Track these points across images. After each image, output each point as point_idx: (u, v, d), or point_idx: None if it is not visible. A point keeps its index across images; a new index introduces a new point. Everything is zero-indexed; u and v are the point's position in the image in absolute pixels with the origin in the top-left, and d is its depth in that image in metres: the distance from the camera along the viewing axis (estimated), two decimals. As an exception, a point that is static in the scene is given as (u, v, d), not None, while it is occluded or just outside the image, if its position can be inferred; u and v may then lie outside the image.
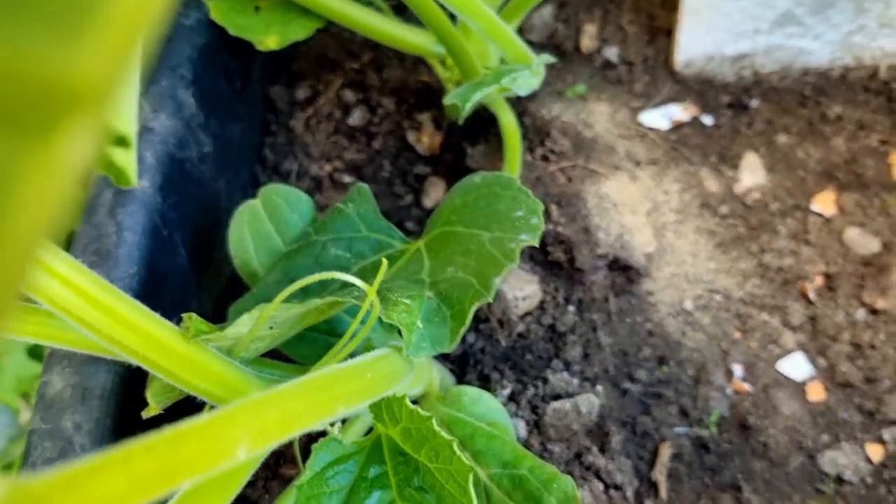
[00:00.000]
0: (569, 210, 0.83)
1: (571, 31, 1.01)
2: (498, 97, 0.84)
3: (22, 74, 0.13)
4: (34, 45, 0.13)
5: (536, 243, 0.58)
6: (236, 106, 0.89)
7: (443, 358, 0.81)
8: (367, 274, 0.69)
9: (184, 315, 0.54)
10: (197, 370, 0.53)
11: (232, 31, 0.82)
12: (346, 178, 0.93)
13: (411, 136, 0.93)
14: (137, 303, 0.51)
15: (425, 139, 0.92)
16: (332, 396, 0.48)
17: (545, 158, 0.86)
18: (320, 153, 0.94)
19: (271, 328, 0.56)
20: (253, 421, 0.42)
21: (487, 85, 0.68)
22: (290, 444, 0.82)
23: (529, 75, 0.72)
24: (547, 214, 0.83)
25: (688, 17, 0.94)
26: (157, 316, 0.52)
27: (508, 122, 0.83)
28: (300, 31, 0.83)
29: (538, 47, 1.01)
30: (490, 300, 0.55)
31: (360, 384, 0.51)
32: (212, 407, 0.55)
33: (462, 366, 0.81)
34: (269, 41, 0.82)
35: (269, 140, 0.95)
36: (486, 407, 0.70)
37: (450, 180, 0.91)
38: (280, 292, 0.69)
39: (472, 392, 0.71)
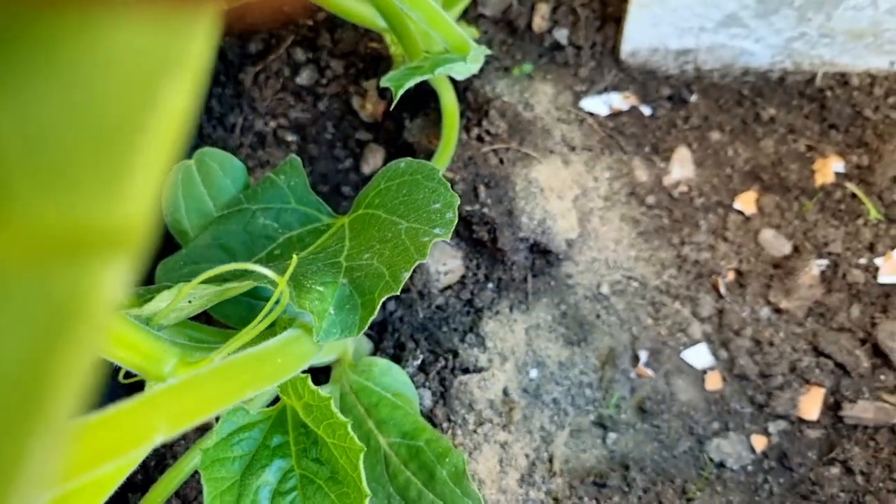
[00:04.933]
0: (497, 192, 0.86)
1: (525, 9, 1.03)
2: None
3: (70, 227, 0.15)
4: (80, 204, 0.15)
5: (447, 238, 0.62)
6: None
7: (364, 324, 0.85)
8: (293, 246, 0.72)
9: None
10: (112, 340, 0.56)
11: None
12: (290, 137, 0.95)
13: (356, 102, 0.95)
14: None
15: (369, 106, 0.94)
16: (244, 382, 0.51)
17: (480, 139, 0.89)
18: (266, 109, 0.95)
19: (189, 302, 0.59)
20: (170, 406, 0.45)
21: (422, 73, 0.71)
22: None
23: (465, 64, 0.75)
24: (475, 194, 0.86)
25: (636, 8, 0.96)
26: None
27: (448, 101, 0.85)
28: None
29: (491, 22, 1.03)
30: (398, 293, 0.58)
31: (272, 369, 0.54)
32: (127, 374, 0.58)
33: (381, 332, 0.85)
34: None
35: (217, 90, 0.96)
36: (393, 378, 0.75)
37: (389, 149, 0.94)
38: (209, 255, 0.72)
39: (381, 363, 0.75)
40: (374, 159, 0.93)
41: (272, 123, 0.95)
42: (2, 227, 0.15)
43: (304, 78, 0.96)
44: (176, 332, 0.66)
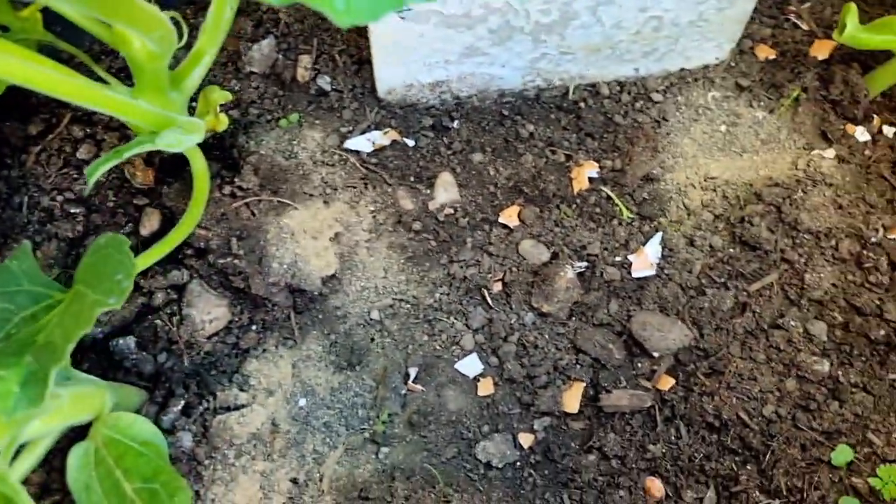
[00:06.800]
0: (248, 243, 0.94)
1: (290, 62, 1.11)
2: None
3: None
4: None
5: (118, 306, 0.69)
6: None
7: (137, 376, 0.93)
8: (27, 323, 0.80)
9: None
10: None
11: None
12: (75, 209, 1.02)
13: (127, 171, 1.03)
14: None
15: (139, 175, 1.01)
16: None
17: (233, 195, 0.97)
18: (51, 185, 1.03)
19: None
20: None
21: (111, 159, 0.78)
22: None
23: (175, 138, 0.82)
24: (229, 247, 0.94)
25: (378, 50, 1.03)
26: None
27: (198, 167, 0.92)
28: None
29: (261, 77, 1.11)
30: (62, 364, 0.66)
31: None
32: None
33: (155, 383, 0.93)
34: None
35: (4, 173, 1.04)
36: (139, 429, 0.83)
37: (163, 211, 1.02)
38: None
39: (126, 416, 0.83)
40: (150, 222, 1.01)
41: (58, 198, 1.03)
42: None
43: (84, 152, 1.04)
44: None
